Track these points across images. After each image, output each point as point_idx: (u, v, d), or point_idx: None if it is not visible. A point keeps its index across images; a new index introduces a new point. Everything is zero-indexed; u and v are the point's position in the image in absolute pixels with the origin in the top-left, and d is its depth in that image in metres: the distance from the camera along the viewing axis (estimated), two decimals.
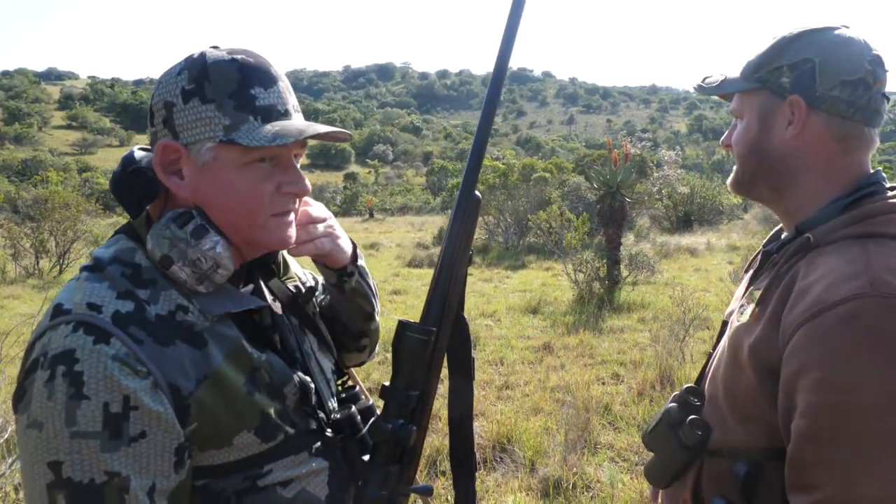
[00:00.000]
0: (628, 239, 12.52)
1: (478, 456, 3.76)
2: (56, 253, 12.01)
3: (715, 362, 1.14)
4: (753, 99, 1.09)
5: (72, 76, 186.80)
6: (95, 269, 0.88)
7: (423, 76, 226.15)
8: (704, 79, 1.16)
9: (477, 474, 3.93)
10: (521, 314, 7.76)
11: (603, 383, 5.18)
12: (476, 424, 4.21)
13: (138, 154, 0.95)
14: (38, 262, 11.77)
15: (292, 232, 0.97)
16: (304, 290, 1.09)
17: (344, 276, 1.12)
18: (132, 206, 0.92)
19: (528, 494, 3.32)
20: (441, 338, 0.95)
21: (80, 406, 0.77)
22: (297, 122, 0.92)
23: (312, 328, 1.08)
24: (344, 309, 1.16)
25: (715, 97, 1.19)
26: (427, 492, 0.98)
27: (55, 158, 53.12)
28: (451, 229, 0.96)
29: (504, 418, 4.18)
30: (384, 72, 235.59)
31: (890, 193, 1.03)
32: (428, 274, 12.12)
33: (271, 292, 1.03)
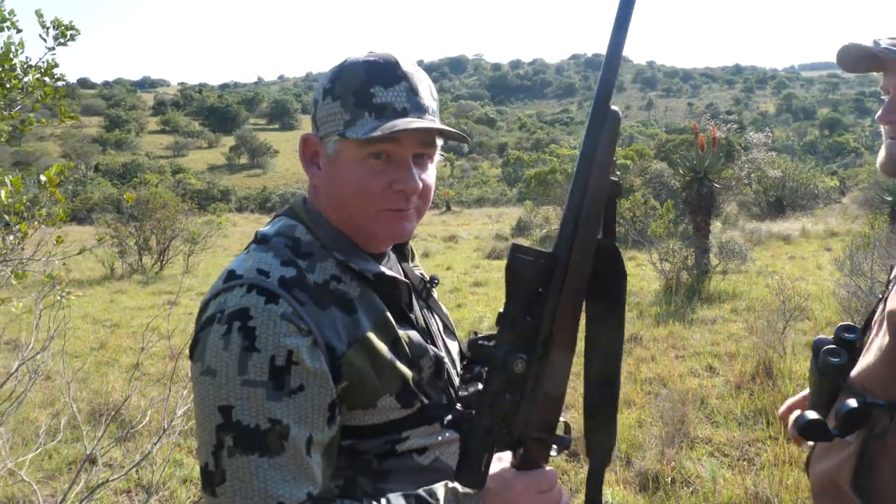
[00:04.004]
0: (715, 226, 12.02)
1: (570, 448, 3.73)
2: (157, 250, 12.79)
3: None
4: None
5: (164, 83, 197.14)
6: (262, 242, 0.96)
7: (496, 67, 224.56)
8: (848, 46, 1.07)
9: (570, 466, 3.84)
10: None
11: (697, 376, 5.02)
12: (566, 416, 4.17)
13: None
14: (141, 259, 12.57)
15: (407, 226, 0.98)
16: (428, 277, 1.12)
17: None
18: None
19: (625, 488, 3.27)
20: (572, 263, 0.85)
21: (252, 357, 0.84)
22: (409, 119, 0.91)
23: (438, 312, 1.11)
24: None
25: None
26: (564, 444, 0.93)
27: (151, 161, 56.50)
28: (584, 148, 0.87)
29: None
30: (456, 65, 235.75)
31: None
32: None
33: (405, 275, 1.07)
